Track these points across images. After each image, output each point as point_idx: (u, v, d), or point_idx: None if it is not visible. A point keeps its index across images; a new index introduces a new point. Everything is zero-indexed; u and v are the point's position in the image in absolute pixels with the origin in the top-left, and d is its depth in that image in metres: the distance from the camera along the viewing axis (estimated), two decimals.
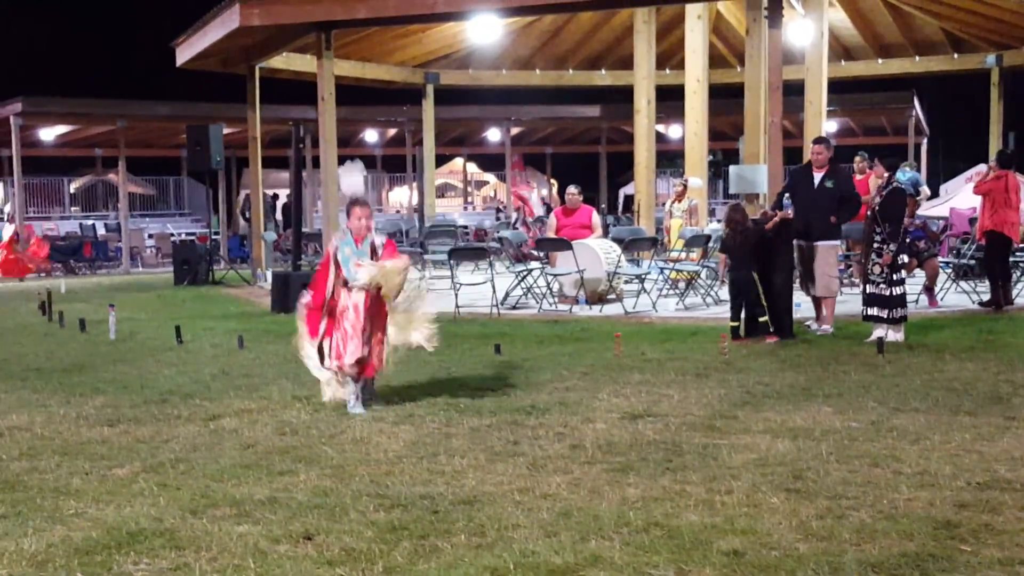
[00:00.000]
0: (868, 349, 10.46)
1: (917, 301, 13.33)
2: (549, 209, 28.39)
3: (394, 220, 29.41)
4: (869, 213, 11.25)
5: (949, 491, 5.57)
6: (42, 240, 27.05)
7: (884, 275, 10.94)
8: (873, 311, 11.06)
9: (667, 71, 25.39)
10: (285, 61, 21.91)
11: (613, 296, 14.63)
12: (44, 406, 8.46)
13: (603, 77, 28.20)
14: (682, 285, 14.96)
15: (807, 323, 11.94)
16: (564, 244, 14.44)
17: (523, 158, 43.01)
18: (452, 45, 25.02)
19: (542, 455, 6.51)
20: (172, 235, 32.21)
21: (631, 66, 21.28)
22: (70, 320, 13.88)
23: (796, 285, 11.97)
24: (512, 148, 37.96)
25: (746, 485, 5.74)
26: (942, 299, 13.96)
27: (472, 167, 44.11)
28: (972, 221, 16.67)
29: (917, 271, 13.66)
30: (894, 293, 10.95)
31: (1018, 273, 14.78)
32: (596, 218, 15.76)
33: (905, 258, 11.33)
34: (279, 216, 34.12)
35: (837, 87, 23.12)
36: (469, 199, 42.78)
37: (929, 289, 13.79)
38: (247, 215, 29.85)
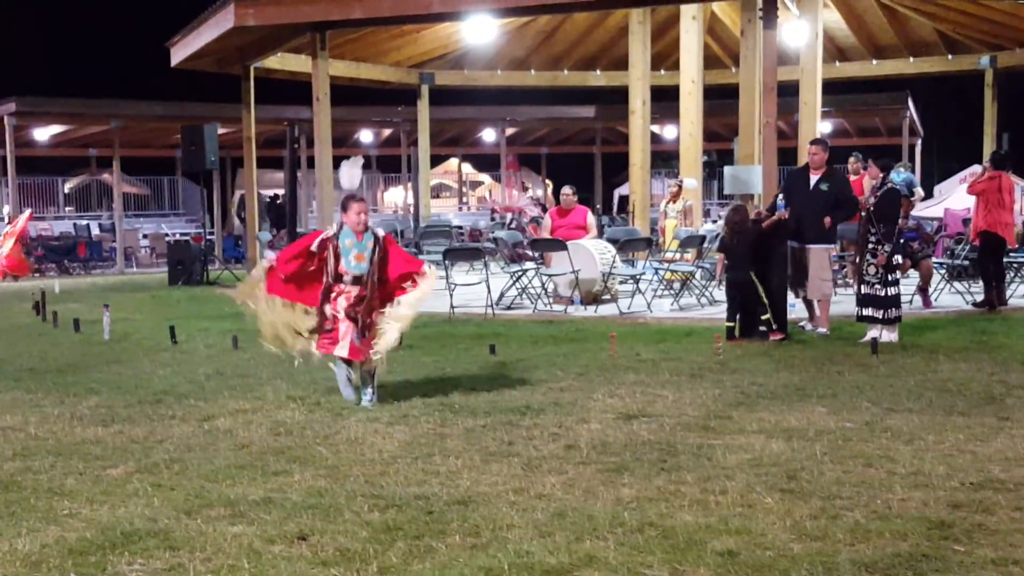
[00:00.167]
0: (862, 350, 10.48)
1: (911, 302, 13.36)
2: (545, 209, 28.41)
3: (389, 220, 29.36)
4: (864, 214, 11.26)
5: (943, 491, 5.58)
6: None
7: (879, 275, 10.96)
8: (868, 312, 11.08)
9: (662, 72, 25.41)
10: (280, 61, 21.91)
11: (608, 297, 14.63)
12: (38, 406, 8.44)
13: (598, 78, 28.22)
14: (677, 286, 14.96)
15: (801, 324, 11.96)
16: (559, 244, 14.44)
17: (518, 158, 43.00)
18: (447, 45, 25.03)
19: (537, 455, 6.52)
20: (167, 235, 32.15)
21: (626, 67, 21.30)
22: (64, 320, 13.87)
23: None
24: (507, 148, 37.99)
25: (740, 485, 5.75)
26: (936, 300, 13.98)
27: (467, 167, 44.11)
28: (966, 222, 16.71)
29: (911, 272, 13.68)
30: (889, 293, 10.97)
31: (1011, 274, 14.81)
32: (591, 219, 15.76)
33: (899, 259, 11.35)
34: (267, 215, 34.08)
35: (832, 88, 23.20)
36: (464, 199, 42.78)
37: (923, 290, 13.82)
38: (243, 215, 29.83)
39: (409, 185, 35.14)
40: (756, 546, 4.79)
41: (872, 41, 25.79)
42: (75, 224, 31.84)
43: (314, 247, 8.33)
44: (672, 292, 14.86)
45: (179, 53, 21.09)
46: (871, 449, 6.50)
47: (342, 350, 8.25)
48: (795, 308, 12.09)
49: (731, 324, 11.41)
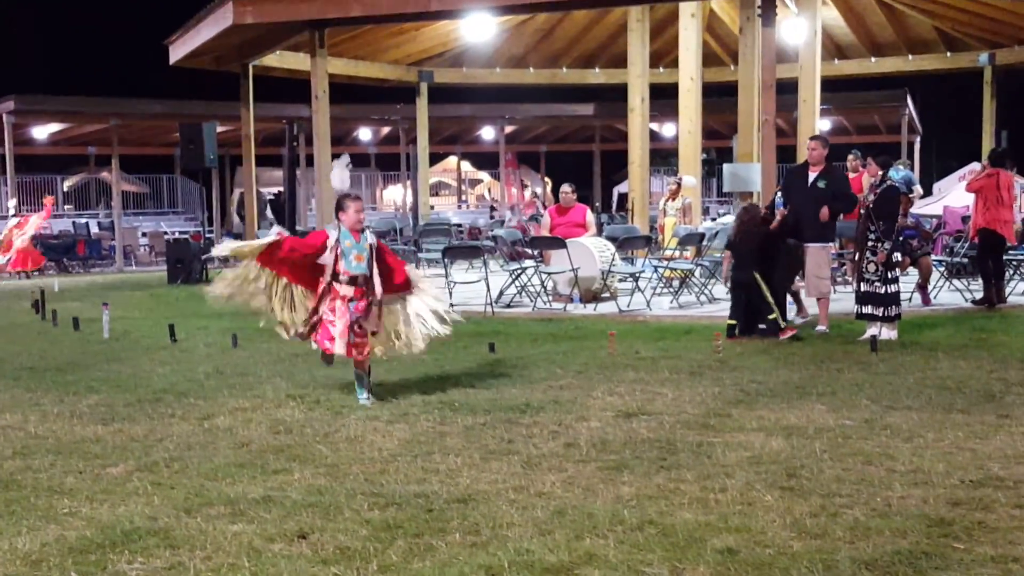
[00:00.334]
0: (861, 347, 10.49)
1: (910, 299, 13.36)
2: (544, 206, 28.43)
3: (388, 219, 29.36)
4: (863, 211, 11.26)
5: (942, 489, 5.58)
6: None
7: (879, 273, 10.96)
8: (867, 309, 11.08)
9: (661, 69, 25.43)
10: (279, 59, 21.91)
11: (607, 294, 14.63)
12: (38, 405, 8.44)
13: (597, 75, 28.25)
14: (676, 283, 14.96)
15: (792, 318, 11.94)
16: (558, 242, 14.44)
17: (517, 156, 43.02)
18: (446, 43, 25.04)
19: (536, 453, 6.52)
20: (166, 233, 32.14)
21: (625, 64, 21.30)
22: (63, 318, 13.86)
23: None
24: (506, 146, 37.99)
25: (740, 483, 5.75)
26: (935, 297, 13.98)
27: (466, 165, 44.13)
28: (965, 219, 16.71)
29: (910, 269, 13.68)
30: (889, 291, 10.97)
31: (1011, 271, 14.81)
32: (590, 216, 15.76)
33: (899, 256, 11.35)
34: (269, 214, 34.07)
35: (830, 85, 23.21)
36: (463, 197, 42.78)
37: (922, 287, 13.82)
38: (243, 213, 29.83)
39: (408, 183, 35.19)
40: (756, 544, 4.80)
41: (871, 39, 25.80)
42: (74, 222, 31.83)
43: (327, 256, 8.30)
44: (671, 290, 14.86)
45: (178, 51, 21.09)
46: (871, 447, 6.51)
47: (340, 347, 8.27)
48: (793, 305, 12.09)
49: (733, 322, 11.40)
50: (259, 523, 5.22)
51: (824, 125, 27.50)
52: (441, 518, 5.25)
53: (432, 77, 26.59)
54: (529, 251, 16.94)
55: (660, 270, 15.15)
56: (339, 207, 8.53)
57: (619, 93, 23.48)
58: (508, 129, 37.11)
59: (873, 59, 26.73)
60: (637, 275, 14.75)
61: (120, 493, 5.83)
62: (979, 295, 13.58)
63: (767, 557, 4.63)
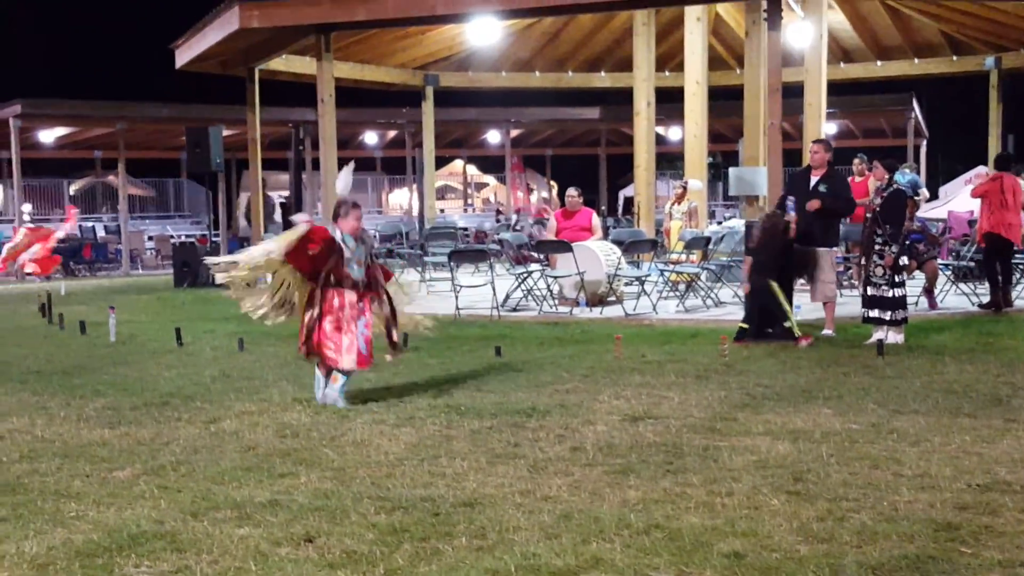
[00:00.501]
0: (868, 351, 10.47)
1: (917, 303, 13.33)
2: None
3: (394, 222, 29.38)
4: (869, 215, 11.25)
5: (949, 493, 5.58)
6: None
7: (886, 277, 10.95)
8: (874, 313, 11.07)
9: (667, 73, 25.40)
10: (285, 63, 21.90)
11: (613, 298, 14.63)
12: (44, 408, 8.46)
13: (603, 79, 28.22)
14: (682, 287, 14.96)
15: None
16: (564, 246, 14.44)
17: (523, 160, 43.04)
18: (452, 47, 25.02)
19: (543, 457, 6.52)
20: (172, 237, 32.21)
21: (631, 68, 21.27)
22: (70, 322, 13.89)
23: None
24: (512, 150, 38.01)
25: (746, 487, 5.75)
26: (942, 301, 13.96)
27: (472, 169, 44.16)
28: (972, 223, 16.69)
29: (916, 273, 13.66)
30: (896, 295, 10.96)
31: (1018, 275, 14.79)
32: (596, 220, 15.75)
33: (905, 260, 11.33)
34: (278, 217, 34.11)
35: (836, 89, 23.15)
36: (469, 201, 42.78)
37: (929, 291, 13.80)
38: (250, 217, 29.88)
39: (414, 187, 35.22)
40: (763, 548, 4.79)
41: (877, 42, 25.77)
42: (80, 226, 31.86)
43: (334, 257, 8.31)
44: (677, 294, 14.86)
45: (184, 55, 21.09)
46: (877, 451, 6.50)
47: (349, 362, 8.24)
48: (800, 310, 12.08)
49: (745, 326, 11.36)
50: (266, 527, 5.23)
51: (830, 129, 27.51)
52: (447, 522, 5.25)
53: (438, 81, 26.59)
54: (535, 255, 16.94)
55: (666, 274, 15.15)
56: (340, 214, 8.48)
57: (625, 97, 23.48)
58: (514, 133, 37.13)
59: (879, 63, 26.69)
60: (643, 279, 14.74)
61: (127, 497, 5.84)
62: (986, 299, 13.56)
63: (774, 561, 4.62)
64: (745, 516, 5.26)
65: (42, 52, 51.07)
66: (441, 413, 7.89)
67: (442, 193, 41.38)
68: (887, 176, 11.38)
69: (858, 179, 16.19)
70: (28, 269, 23.44)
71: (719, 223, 22.37)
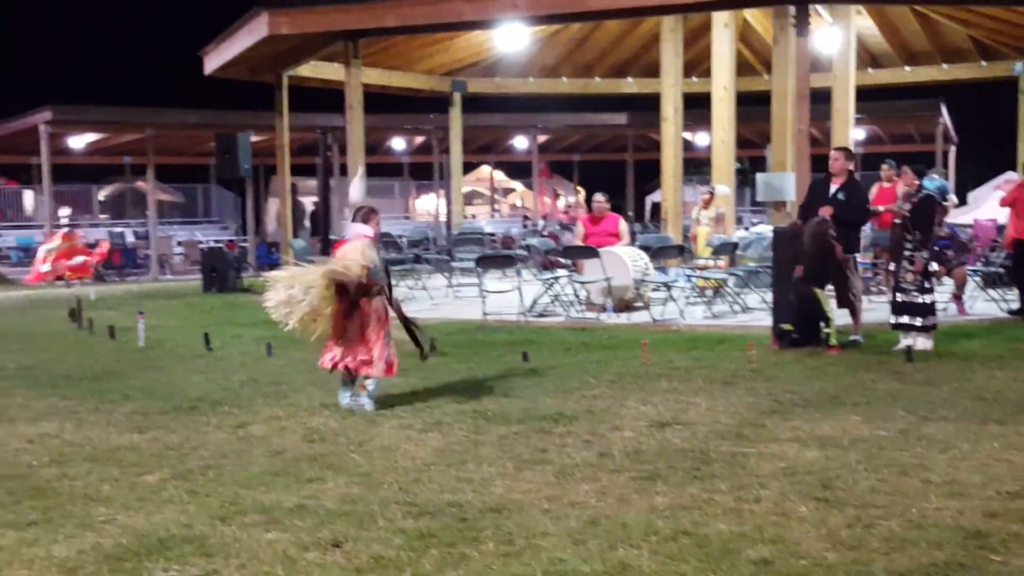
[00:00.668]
0: (896, 357, 10.42)
1: (946, 309, 13.26)
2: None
3: (421, 228, 29.42)
4: (898, 221, 11.19)
5: (978, 500, 5.54)
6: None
7: (916, 283, 10.89)
8: (903, 319, 11.01)
9: (694, 79, 25.36)
10: (313, 69, 21.98)
11: (640, 304, 14.61)
12: (74, 412, 8.51)
13: (630, 85, 28.19)
14: (709, 293, 14.92)
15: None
16: (591, 252, 14.43)
17: (550, 166, 43.02)
18: (479, 53, 25.06)
19: (570, 463, 6.52)
20: (200, 242, 32.34)
21: (658, 74, 21.23)
22: (100, 327, 13.97)
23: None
24: (539, 156, 37.97)
25: (774, 494, 5.73)
26: (971, 307, 13.88)
27: (499, 175, 44.17)
28: (1000, 229, 16.59)
29: (945, 279, 13.59)
30: (925, 301, 10.91)
31: None
32: (623, 226, 15.73)
33: (935, 266, 11.27)
34: (307, 223, 34.23)
35: (865, 95, 23.02)
36: (496, 206, 42.80)
37: (958, 297, 13.73)
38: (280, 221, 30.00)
39: (441, 192, 35.26)
40: (790, 555, 4.78)
41: (905, 47, 25.64)
42: (110, 231, 32.06)
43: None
44: (705, 299, 14.82)
45: (213, 61, 21.21)
46: (906, 458, 6.47)
47: (379, 370, 8.33)
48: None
49: (790, 328, 11.29)
50: (293, 531, 5.25)
51: (858, 134, 27.38)
52: (475, 527, 5.26)
53: (465, 87, 26.61)
54: (562, 260, 16.93)
55: (693, 279, 15.11)
56: (368, 219, 8.55)
57: (652, 102, 23.40)
58: (541, 138, 37.11)
59: (907, 68, 26.57)
60: (670, 284, 14.71)
61: (155, 501, 5.87)
62: (1015, 305, 13.48)
63: (802, 568, 4.61)
64: (773, 523, 5.24)
65: (72, 59, 51.47)
66: (468, 418, 7.90)
67: (469, 199, 41.39)
68: (916, 182, 11.33)
69: (886, 185, 16.10)
70: (68, 276, 23.92)
71: (746, 228, 22.30)
